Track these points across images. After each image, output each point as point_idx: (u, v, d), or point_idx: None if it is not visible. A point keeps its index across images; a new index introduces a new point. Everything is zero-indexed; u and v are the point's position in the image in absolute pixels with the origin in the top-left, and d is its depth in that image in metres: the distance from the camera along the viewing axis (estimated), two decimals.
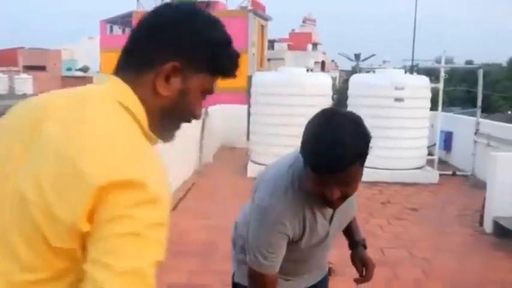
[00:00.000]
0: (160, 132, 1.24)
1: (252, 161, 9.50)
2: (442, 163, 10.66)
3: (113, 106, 1.13)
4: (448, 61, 10.17)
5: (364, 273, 2.20)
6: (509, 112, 43.37)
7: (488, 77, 53.72)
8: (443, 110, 10.04)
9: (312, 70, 41.72)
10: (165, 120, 1.23)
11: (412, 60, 13.33)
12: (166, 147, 2.20)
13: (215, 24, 1.30)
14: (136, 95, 1.16)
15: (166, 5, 1.33)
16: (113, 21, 41.65)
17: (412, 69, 10.25)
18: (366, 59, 22.68)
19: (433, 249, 5.52)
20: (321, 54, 61.97)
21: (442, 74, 9.43)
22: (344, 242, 2.29)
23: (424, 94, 9.14)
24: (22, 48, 49.98)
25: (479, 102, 9.63)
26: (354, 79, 9.98)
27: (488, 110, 46.76)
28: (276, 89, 8.91)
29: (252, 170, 8.81)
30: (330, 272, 2.44)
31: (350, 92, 9.68)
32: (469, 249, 5.61)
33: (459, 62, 10.30)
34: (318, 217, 1.91)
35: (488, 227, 6.17)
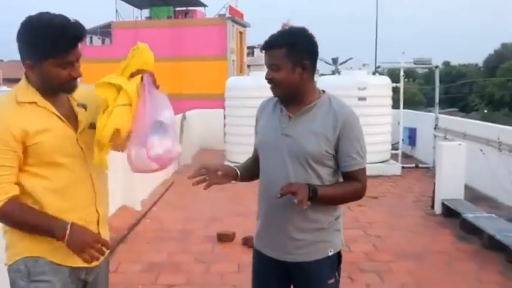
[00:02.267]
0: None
1: (228, 160, 10.13)
2: (408, 157, 11.42)
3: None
4: (427, 62, 10.83)
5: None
6: (485, 111, 44.56)
7: (465, 77, 55.09)
8: (423, 110, 10.69)
9: None
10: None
11: (375, 61, 14.10)
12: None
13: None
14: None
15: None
16: (92, 32, 41.97)
17: (376, 70, 10.94)
18: (344, 62, 23.21)
19: (386, 229, 6.21)
20: None
21: (402, 74, 10.18)
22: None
23: (385, 93, 9.90)
24: (1, 61, 50.07)
25: (436, 99, 10.40)
26: (322, 80, 10.70)
27: (466, 109, 48.01)
28: (245, 93, 9.58)
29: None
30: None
31: None
32: (418, 227, 6.32)
33: (437, 63, 10.99)
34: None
35: (437, 209, 6.88)
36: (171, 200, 7.82)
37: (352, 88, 9.62)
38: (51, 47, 1.92)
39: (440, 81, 10.76)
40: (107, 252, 2.13)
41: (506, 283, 4.53)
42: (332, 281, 2.32)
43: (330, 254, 2.31)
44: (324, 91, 2.35)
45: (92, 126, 2.11)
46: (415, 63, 10.87)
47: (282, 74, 2.18)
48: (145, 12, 43.93)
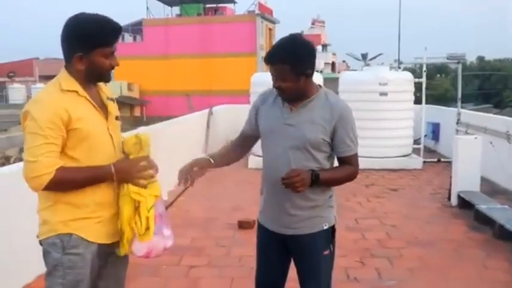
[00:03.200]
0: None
1: (253, 154, 10.44)
2: (431, 152, 11.58)
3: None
4: (460, 57, 10.92)
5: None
6: None
7: (500, 72, 54.13)
8: (455, 106, 10.74)
9: (321, 71, 42.50)
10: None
11: (399, 57, 14.17)
12: (175, 143, 3.25)
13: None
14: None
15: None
16: (124, 30, 42.75)
17: (398, 65, 11.08)
18: (374, 58, 23.06)
19: (401, 219, 6.45)
20: (331, 55, 62.49)
21: (424, 69, 10.32)
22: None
23: (406, 88, 10.06)
24: (37, 58, 51.46)
25: (459, 95, 10.48)
26: (344, 76, 10.94)
27: (500, 105, 47.21)
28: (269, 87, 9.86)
29: (253, 162, 9.76)
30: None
31: (340, 88, 10.61)
32: (433, 218, 6.53)
33: (471, 59, 11.12)
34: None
35: (454, 201, 7.07)
36: (197, 191, 8.17)
37: (373, 83, 9.83)
38: (101, 39, 2.31)
39: (474, 77, 10.81)
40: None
41: None
42: (327, 252, 2.64)
43: (325, 227, 2.63)
44: (320, 86, 2.66)
45: (117, 118, 2.51)
46: (448, 59, 10.94)
47: (288, 84, 2.49)
48: (176, 10, 44.52)
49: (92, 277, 2.43)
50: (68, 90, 2.31)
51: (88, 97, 2.36)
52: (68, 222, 2.32)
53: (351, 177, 2.65)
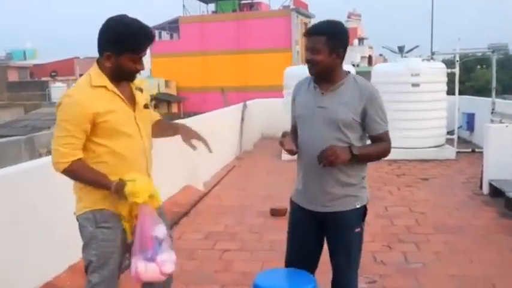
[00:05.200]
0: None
1: None
2: (466, 142, 11.52)
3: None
4: (503, 47, 10.89)
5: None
6: None
7: None
8: (498, 97, 10.67)
9: (357, 65, 42.16)
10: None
11: (431, 47, 14.09)
12: (211, 136, 3.51)
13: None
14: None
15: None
16: (161, 28, 43.48)
17: (431, 56, 11.08)
18: (410, 50, 22.90)
19: (431, 207, 6.54)
20: (367, 48, 61.91)
21: (457, 60, 10.30)
22: None
23: (439, 79, 10.07)
24: (77, 58, 52.76)
25: (493, 84, 10.41)
26: (376, 68, 11.00)
27: None
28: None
29: (286, 154, 9.95)
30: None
31: (372, 80, 10.67)
32: (462, 205, 6.60)
33: None
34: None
35: (485, 189, 7.11)
36: (231, 182, 8.47)
37: (405, 74, 9.88)
38: (131, 46, 2.52)
39: None
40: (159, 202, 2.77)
41: None
42: (358, 229, 2.84)
43: (358, 206, 2.82)
44: (349, 72, 2.85)
45: (145, 106, 2.75)
46: (488, 48, 10.89)
47: (320, 56, 2.69)
48: (211, 7, 44.97)
49: (123, 251, 2.69)
50: (97, 86, 2.54)
51: (116, 91, 2.59)
52: (99, 200, 2.60)
53: (385, 152, 2.84)
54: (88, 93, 2.52)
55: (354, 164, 2.73)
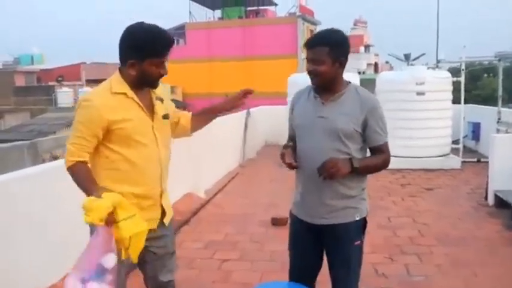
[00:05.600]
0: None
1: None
2: (472, 152, 11.41)
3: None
4: (510, 55, 10.78)
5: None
6: None
7: None
8: (504, 106, 10.59)
9: (364, 72, 42.06)
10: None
11: (437, 55, 13.98)
12: (214, 144, 3.42)
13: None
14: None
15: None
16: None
17: (437, 65, 11.00)
18: (417, 58, 22.72)
19: (435, 217, 6.44)
20: (373, 56, 61.79)
21: (462, 68, 10.21)
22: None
23: (444, 87, 9.98)
24: (84, 63, 52.94)
25: (499, 92, 10.31)
26: (381, 76, 10.93)
27: None
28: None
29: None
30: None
31: (377, 88, 10.60)
32: (467, 216, 6.49)
33: None
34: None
35: (490, 200, 7.00)
36: (234, 190, 8.40)
37: (410, 83, 9.79)
38: (153, 51, 2.52)
39: None
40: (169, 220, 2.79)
41: None
42: (358, 242, 2.78)
43: (357, 218, 2.76)
44: (349, 82, 2.81)
45: (165, 116, 2.71)
46: (495, 56, 10.78)
47: (323, 68, 2.65)
48: (218, 13, 45.03)
49: (128, 264, 2.61)
50: (117, 93, 2.56)
51: (135, 98, 2.59)
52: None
53: (385, 164, 2.78)
54: (106, 99, 2.54)
55: (354, 176, 2.68)
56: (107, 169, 2.58)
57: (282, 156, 2.75)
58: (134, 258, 2.46)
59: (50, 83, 46.35)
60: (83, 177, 2.51)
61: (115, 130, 2.53)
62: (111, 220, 2.31)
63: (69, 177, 2.54)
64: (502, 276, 4.55)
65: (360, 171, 2.66)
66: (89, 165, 2.58)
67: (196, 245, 5.53)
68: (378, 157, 2.76)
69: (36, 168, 4.71)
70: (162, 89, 2.78)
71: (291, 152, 2.80)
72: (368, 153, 2.83)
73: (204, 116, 3.05)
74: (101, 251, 2.35)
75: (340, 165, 2.57)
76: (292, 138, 2.92)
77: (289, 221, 3.02)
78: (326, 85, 2.73)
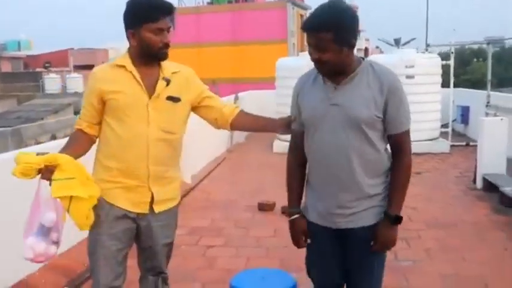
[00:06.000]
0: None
1: (278, 138, 10.48)
2: (461, 136, 11.39)
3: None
4: (499, 40, 10.73)
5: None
6: None
7: None
8: (494, 90, 10.55)
9: None
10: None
11: (426, 39, 13.92)
12: (201, 128, 3.28)
13: None
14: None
15: None
16: None
17: (426, 48, 10.92)
18: (407, 42, 22.63)
19: (423, 201, 6.38)
20: (364, 40, 61.58)
21: (451, 51, 10.13)
22: None
23: (433, 71, 9.90)
24: (72, 49, 52.36)
25: (489, 76, 10.25)
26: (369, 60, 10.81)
27: None
28: (294, 73, 9.86)
29: (278, 146, 9.79)
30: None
31: None
32: (456, 200, 6.45)
33: (510, 41, 10.97)
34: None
35: (479, 183, 6.95)
36: (221, 175, 8.30)
37: (399, 66, 9.67)
38: (147, 15, 2.45)
39: None
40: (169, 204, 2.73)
41: None
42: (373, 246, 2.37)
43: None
44: (363, 58, 2.38)
45: (169, 98, 2.58)
46: (484, 40, 10.73)
47: (329, 55, 2.19)
48: None
49: (116, 238, 2.59)
50: (117, 65, 2.55)
51: (134, 72, 2.52)
52: (99, 183, 2.52)
53: (408, 172, 2.38)
54: (105, 72, 2.58)
55: (376, 172, 2.33)
56: (102, 143, 2.60)
57: (292, 228, 2.50)
58: (78, 225, 2.41)
59: (37, 69, 45.82)
60: (67, 143, 2.60)
61: (107, 101, 2.51)
62: (46, 177, 2.31)
63: None
64: (490, 260, 4.49)
65: (400, 211, 2.33)
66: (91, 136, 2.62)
67: (181, 231, 5.39)
68: (399, 173, 2.34)
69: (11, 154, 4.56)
70: (188, 74, 2.71)
71: (303, 224, 2.47)
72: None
73: (254, 123, 2.87)
74: (39, 210, 2.37)
75: (392, 236, 2.32)
76: (298, 135, 2.48)
77: (307, 233, 2.50)
78: (336, 72, 2.28)
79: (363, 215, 2.34)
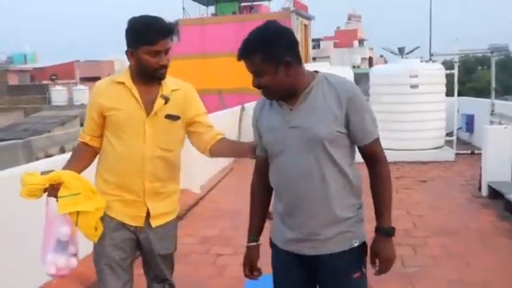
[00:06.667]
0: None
1: None
2: (466, 144, 11.47)
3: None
4: (503, 48, 10.80)
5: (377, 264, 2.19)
6: None
7: None
8: (499, 98, 10.63)
9: (358, 66, 42.09)
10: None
11: (430, 48, 14.03)
12: None
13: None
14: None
15: None
16: None
17: (430, 57, 11.02)
18: (411, 51, 22.73)
19: (429, 209, 6.47)
20: (367, 50, 61.80)
21: (455, 61, 10.24)
22: None
23: (437, 80, 10.01)
24: (78, 61, 52.73)
25: (493, 85, 10.34)
26: (374, 70, 10.96)
27: None
28: None
29: None
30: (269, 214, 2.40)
31: (371, 81, 10.62)
32: (461, 208, 6.53)
33: None
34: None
35: (484, 191, 7.03)
36: (228, 185, 8.41)
37: (404, 76, 9.82)
38: (144, 38, 2.49)
39: None
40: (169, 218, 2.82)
41: None
42: (357, 274, 2.20)
43: (355, 245, 2.20)
44: (317, 71, 2.22)
45: (168, 117, 2.63)
46: (488, 49, 10.79)
47: (266, 78, 2.11)
48: (211, 9, 44.92)
49: (118, 248, 2.68)
50: (117, 82, 2.62)
51: (133, 90, 2.58)
52: (101, 195, 2.61)
53: (388, 178, 2.22)
54: (106, 86, 2.65)
55: (347, 193, 2.18)
56: (103, 156, 2.68)
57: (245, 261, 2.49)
58: (88, 236, 2.55)
59: (44, 82, 46.18)
60: (71, 156, 2.72)
61: (107, 117, 2.60)
62: (52, 195, 2.42)
63: None
64: (494, 266, 4.57)
65: (391, 222, 2.18)
66: (94, 148, 2.72)
67: (192, 240, 5.54)
68: (378, 184, 2.20)
69: (28, 166, 4.70)
70: (187, 91, 2.75)
71: (254, 254, 2.47)
72: (357, 153, 2.23)
73: (229, 149, 2.89)
74: (53, 226, 2.46)
75: (391, 250, 2.17)
76: (262, 161, 2.36)
77: (271, 253, 2.43)
78: (284, 94, 2.16)
79: (332, 241, 2.18)
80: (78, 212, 2.42)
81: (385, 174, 2.20)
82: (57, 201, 2.40)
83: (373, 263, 2.19)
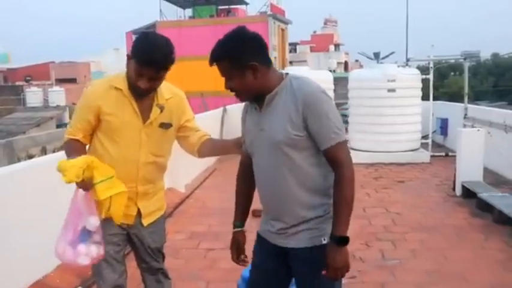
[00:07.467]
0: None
1: None
2: (440, 147, 11.89)
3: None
4: (474, 55, 11.16)
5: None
6: None
7: None
8: (471, 103, 11.03)
9: (334, 71, 42.63)
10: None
11: (406, 54, 14.45)
12: None
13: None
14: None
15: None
16: (138, 32, 43.11)
17: (406, 63, 11.41)
18: (386, 56, 23.28)
19: (407, 207, 6.79)
20: (343, 54, 62.47)
21: (431, 66, 10.63)
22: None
23: (414, 85, 10.39)
24: (53, 62, 52.13)
25: (466, 90, 10.75)
26: (353, 74, 11.30)
27: None
28: None
29: None
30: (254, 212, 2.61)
31: (350, 85, 10.96)
32: (437, 206, 6.86)
33: (485, 55, 11.37)
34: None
35: (458, 191, 7.39)
36: (213, 184, 8.62)
37: (381, 80, 10.17)
38: (136, 52, 2.54)
39: (489, 74, 11.02)
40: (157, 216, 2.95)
41: (508, 250, 5.06)
42: (325, 271, 2.19)
43: (324, 242, 2.22)
44: (286, 74, 2.29)
45: (161, 125, 2.74)
46: (461, 55, 11.15)
47: (236, 82, 2.22)
48: (189, 12, 44.94)
49: (111, 243, 2.78)
50: (115, 87, 2.66)
51: (131, 98, 2.65)
52: None
53: (351, 185, 2.17)
54: (104, 90, 2.67)
55: (315, 193, 2.22)
56: (96, 156, 2.65)
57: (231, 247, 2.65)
58: (116, 219, 2.64)
59: (18, 83, 45.54)
60: (70, 149, 2.68)
61: (103, 120, 2.64)
62: (87, 184, 2.47)
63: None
64: (469, 258, 4.90)
65: (345, 230, 2.14)
66: (85, 144, 2.76)
67: (180, 236, 5.73)
68: (338, 187, 2.16)
69: (27, 163, 4.84)
70: (179, 101, 2.85)
71: (240, 239, 2.63)
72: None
73: (217, 149, 3.05)
74: (83, 215, 2.51)
75: (341, 260, 2.13)
76: (244, 155, 2.52)
77: (243, 250, 2.63)
78: (255, 96, 2.26)
79: (301, 236, 2.26)
80: (110, 196, 2.53)
81: (348, 178, 2.16)
82: (88, 189, 2.47)
83: (325, 268, 2.16)
